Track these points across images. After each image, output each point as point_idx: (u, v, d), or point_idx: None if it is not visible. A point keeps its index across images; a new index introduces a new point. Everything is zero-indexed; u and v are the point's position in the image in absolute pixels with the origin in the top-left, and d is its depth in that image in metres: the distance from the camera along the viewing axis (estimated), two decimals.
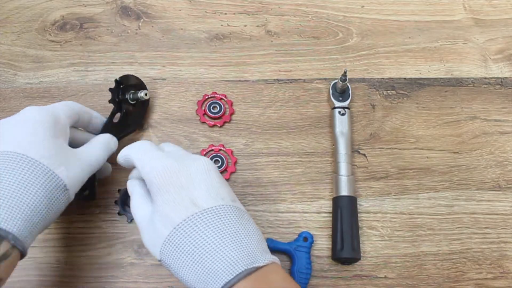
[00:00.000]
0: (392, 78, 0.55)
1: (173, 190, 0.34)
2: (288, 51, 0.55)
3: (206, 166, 0.36)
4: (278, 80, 0.54)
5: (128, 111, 0.47)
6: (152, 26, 0.56)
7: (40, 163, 0.35)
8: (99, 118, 0.45)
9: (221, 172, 0.48)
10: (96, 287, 0.43)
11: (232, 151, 0.49)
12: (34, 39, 0.54)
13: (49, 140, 0.36)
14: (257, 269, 0.32)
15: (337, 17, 0.58)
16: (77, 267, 0.44)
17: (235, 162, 0.49)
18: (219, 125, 0.51)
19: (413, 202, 0.49)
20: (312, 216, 0.47)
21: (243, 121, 0.51)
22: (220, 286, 0.31)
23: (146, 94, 0.46)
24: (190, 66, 0.54)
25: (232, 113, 0.51)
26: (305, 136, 0.51)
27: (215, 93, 0.52)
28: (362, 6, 0.59)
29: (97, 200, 0.46)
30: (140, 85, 0.49)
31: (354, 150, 0.50)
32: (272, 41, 0.56)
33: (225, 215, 0.34)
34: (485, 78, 0.56)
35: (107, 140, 0.42)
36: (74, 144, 0.41)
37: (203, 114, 0.51)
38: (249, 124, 0.51)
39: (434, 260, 0.46)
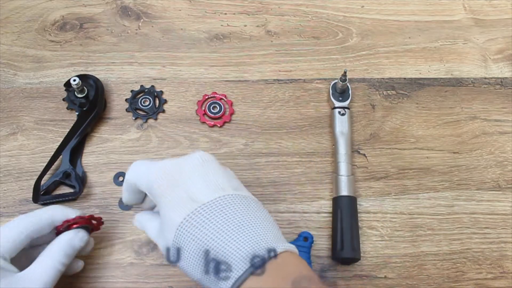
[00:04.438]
0: (392, 78, 0.55)
1: (169, 191, 0.33)
2: (288, 51, 0.55)
3: (200, 159, 0.34)
4: (278, 80, 0.54)
5: (81, 103, 0.49)
6: (152, 26, 0.56)
7: None
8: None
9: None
10: (96, 287, 0.43)
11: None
12: (34, 39, 0.54)
13: None
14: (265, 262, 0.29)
15: (337, 17, 0.58)
16: None
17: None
18: (219, 125, 0.51)
19: (413, 202, 0.49)
20: (312, 216, 0.47)
21: (243, 121, 0.51)
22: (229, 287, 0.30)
23: (74, 80, 0.47)
24: (190, 66, 0.54)
25: (232, 113, 0.51)
26: (305, 136, 0.51)
27: (215, 93, 0.52)
28: (362, 6, 0.59)
29: (97, 200, 0.46)
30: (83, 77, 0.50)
31: (354, 150, 0.50)
32: (272, 41, 0.56)
33: (228, 205, 0.32)
34: (485, 78, 0.56)
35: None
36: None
37: (203, 114, 0.51)
38: (249, 124, 0.51)
39: (434, 260, 0.46)
